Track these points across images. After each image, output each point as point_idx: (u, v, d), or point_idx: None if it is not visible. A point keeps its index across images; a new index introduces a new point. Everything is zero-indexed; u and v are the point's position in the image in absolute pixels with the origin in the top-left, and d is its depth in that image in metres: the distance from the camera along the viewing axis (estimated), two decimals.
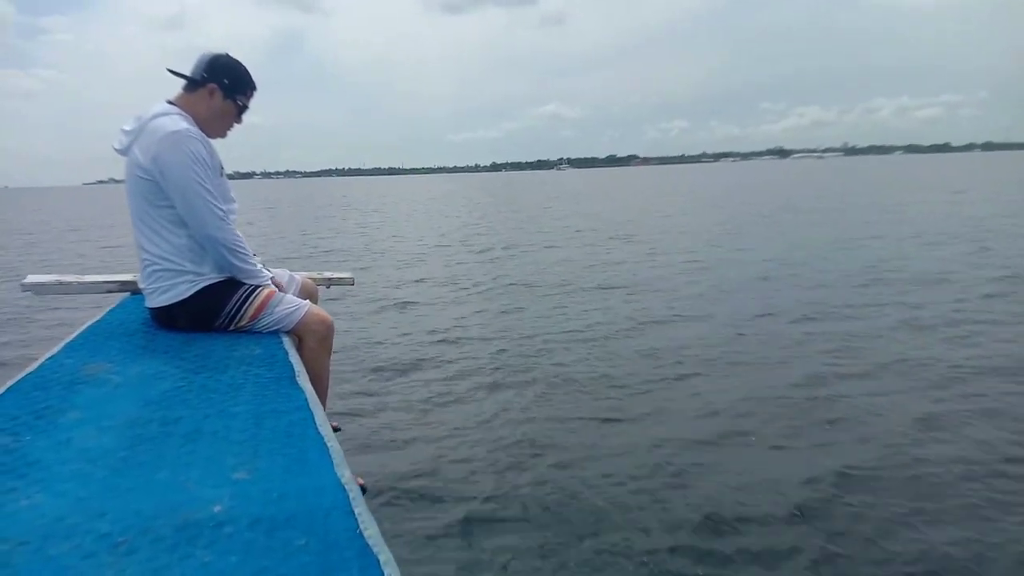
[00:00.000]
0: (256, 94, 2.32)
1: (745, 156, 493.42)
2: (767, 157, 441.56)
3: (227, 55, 2.24)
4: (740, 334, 5.61)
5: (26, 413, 1.44)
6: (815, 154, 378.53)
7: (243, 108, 2.29)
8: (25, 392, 1.58)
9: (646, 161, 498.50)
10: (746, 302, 6.91)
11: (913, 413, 3.70)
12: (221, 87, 2.20)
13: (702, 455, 3.31)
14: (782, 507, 2.79)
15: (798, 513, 2.75)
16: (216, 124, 2.26)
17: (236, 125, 2.33)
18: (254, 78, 2.29)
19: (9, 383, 1.64)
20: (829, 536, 2.58)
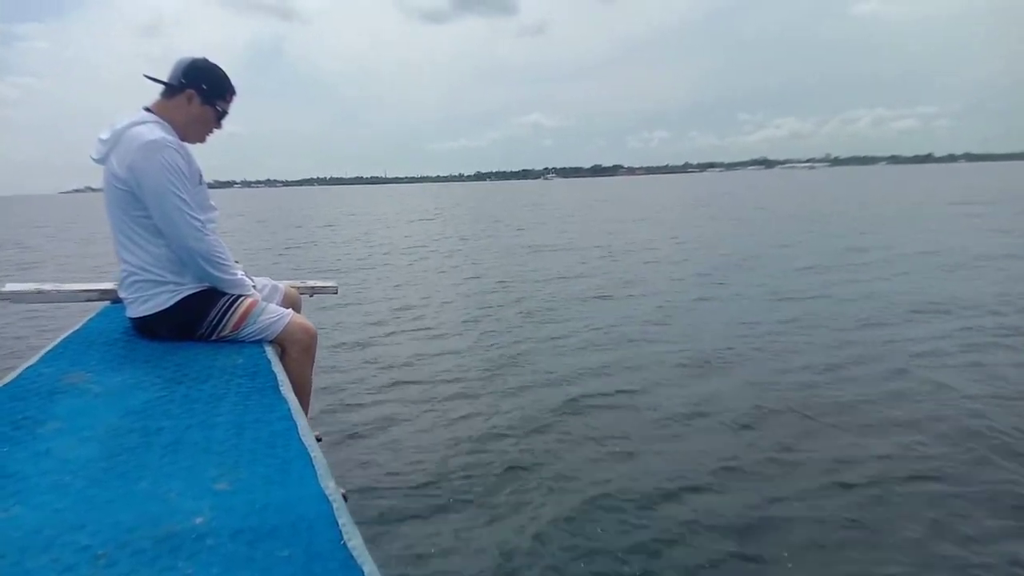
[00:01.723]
0: (236, 99, 2.30)
1: (730, 166, 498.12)
2: (752, 168, 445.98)
3: (204, 59, 2.22)
4: None
5: (3, 424, 1.42)
6: (804, 165, 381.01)
7: (222, 113, 2.27)
8: (2, 403, 1.56)
9: (632, 171, 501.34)
10: None
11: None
12: (199, 92, 2.18)
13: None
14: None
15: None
16: (195, 130, 2.24)
17: (216, 130, 2.31)
18: (233, 83, 2.28)
19: None
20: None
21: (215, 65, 2.22)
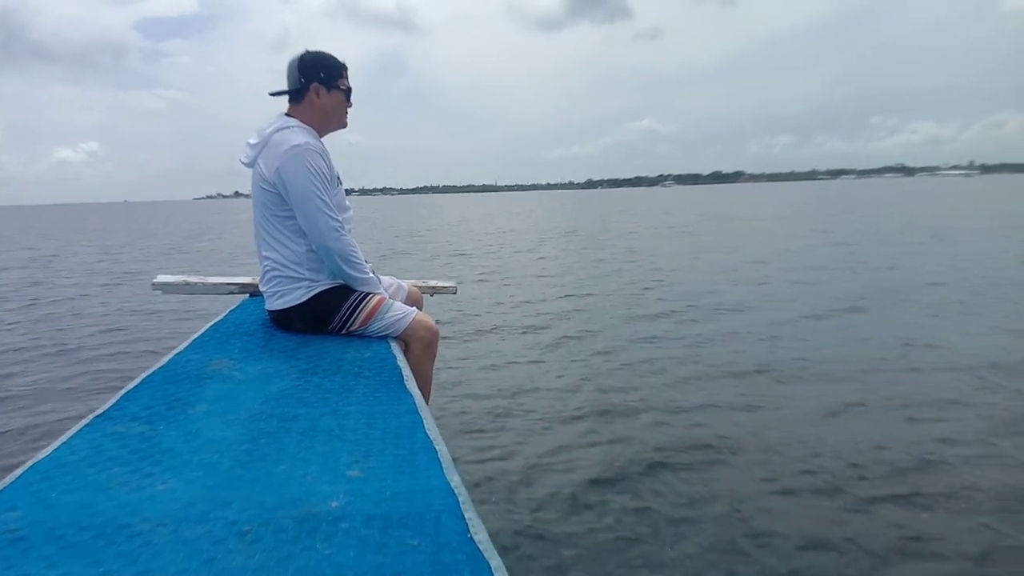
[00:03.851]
0: (349, 71, 2.35)
1: (863, 173, 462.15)
2: (889, 175, 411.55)
3: (307, 52, 2.28)
4: None
5: (159, 404, 1.54)
6: (959, 172, 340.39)
7: (348, 90, 2.35)
8: (157, 385, 1.69)
9: (754, 178, 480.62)
10: None
11: None
12: (321, 82, 2.27)
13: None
14: None
15: None
16: (333, 118, 2.35)
17: (350, 109, 2.39)
18: (341, 60, 2.32)
19: (143, 375, 1.76)
20: None
21: (319, 52, 2.29)
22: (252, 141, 2.27)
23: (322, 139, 2.30)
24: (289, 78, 2.27)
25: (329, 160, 2.24)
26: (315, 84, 2.27)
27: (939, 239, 14.67)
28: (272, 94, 2.33)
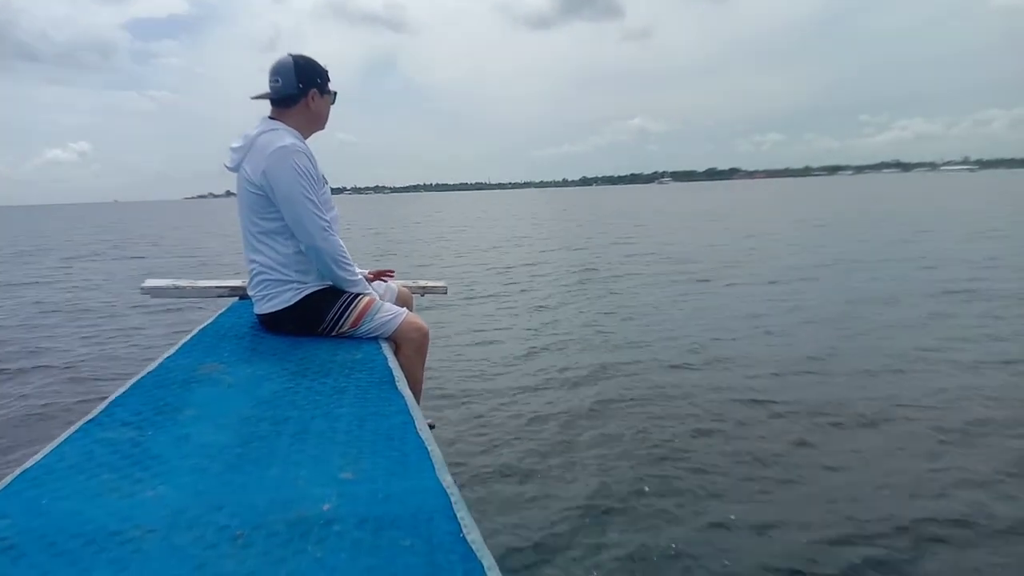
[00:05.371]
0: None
1: (859, 169, 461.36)
2: (885, 171, 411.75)
3: (302, 56, 2.28)
4: None
5: (148, 409, 1.54)
6: (959, 167, 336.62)
7: (335, 94, 2.40)
8: (147, 390, 1.69)
9: (751, 175, 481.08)
10: None
11: None
12: (318, 88, 2.30)
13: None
14: None
15: None
16: (323, 120, 2.39)
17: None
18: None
19: (132, 380, 1.76)
20: None
21: (304, 55, 2.30)
22: (235, 145, 2.27)
23: (306, 141, 2.30)
24: (284, 83, 2.25)
25: (314, 160, 2.24)
26: (313, 90, 2.29)
27: None
28: (255, 97, 2.32)
